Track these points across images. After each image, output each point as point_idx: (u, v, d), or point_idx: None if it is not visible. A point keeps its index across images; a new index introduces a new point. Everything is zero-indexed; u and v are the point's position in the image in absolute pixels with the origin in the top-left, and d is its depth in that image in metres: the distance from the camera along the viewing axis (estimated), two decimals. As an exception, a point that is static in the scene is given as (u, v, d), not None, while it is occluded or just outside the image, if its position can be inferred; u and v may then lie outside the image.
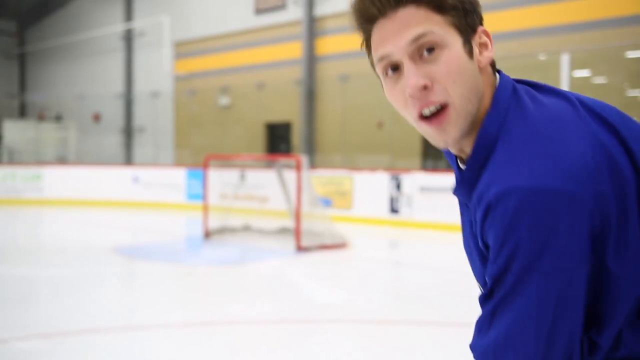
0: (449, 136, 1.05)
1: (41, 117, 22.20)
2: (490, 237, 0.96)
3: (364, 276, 7.38)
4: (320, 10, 15.49)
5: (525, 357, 0.93)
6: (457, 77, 1.02)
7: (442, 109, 1.03)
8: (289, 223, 9.40)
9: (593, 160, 0.93)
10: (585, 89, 11.04)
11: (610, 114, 1.03)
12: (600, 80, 11.36)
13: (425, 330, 4.84)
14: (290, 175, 9.31)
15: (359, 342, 4.57)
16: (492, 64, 1.10)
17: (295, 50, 15.92)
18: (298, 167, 8.78)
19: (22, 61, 25.51)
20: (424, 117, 1.04)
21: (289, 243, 8.83)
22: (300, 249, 8.53)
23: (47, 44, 23.43)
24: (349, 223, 11.45)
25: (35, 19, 24.90)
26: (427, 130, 1.06)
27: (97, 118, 20.87)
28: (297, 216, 8.61)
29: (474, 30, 1.06)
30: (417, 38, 1.01)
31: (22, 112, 24.69)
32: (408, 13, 1.02)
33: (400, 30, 1.02)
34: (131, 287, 7.00)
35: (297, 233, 8.60)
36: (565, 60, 9.71)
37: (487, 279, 0.97)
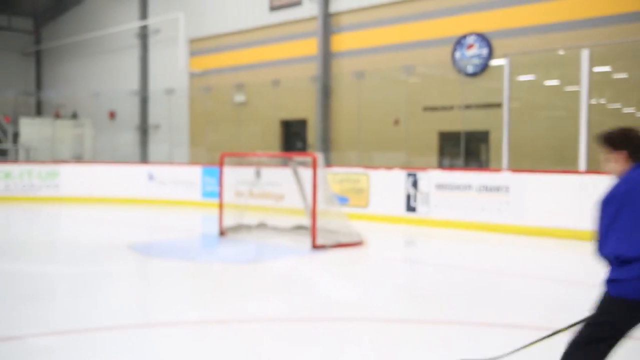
0: None
1: (57, 115, 22.35)
2: None
3: (380, 274, 7.30)
4: (335, 6, 15.41)
5: None
6: None
7: None
8: (305, 221, 9.34)
9: None
10: (606, 85, 10.86)
11: None
12: (620, 75, 11.18)
13: (442, 329, 4.75)
14: (306, 173, 9.25)
15: (375, 340, 4.50)
16: None
17: (310, 46, 15.85)
18: (314, 165, 8.71)
19: (38, 59, 25.70)
20: None
21: (305, 241, 8.76)
22: (316, 247, 8.46)
23: (62, 41, 23.56)
24: (365, 221, 11.38)
25: (51, 17, 25.06)
26: None
27: (112, 116, 20.96)
28: (313, 214, 8.55)
29: None
30: None
31: (39, 110, 24.87)
32: None
33: None
34: (146, 285, 6.98)
35: (312, 231, 8.53)
36: (585, 56, 9.55)
37: None
